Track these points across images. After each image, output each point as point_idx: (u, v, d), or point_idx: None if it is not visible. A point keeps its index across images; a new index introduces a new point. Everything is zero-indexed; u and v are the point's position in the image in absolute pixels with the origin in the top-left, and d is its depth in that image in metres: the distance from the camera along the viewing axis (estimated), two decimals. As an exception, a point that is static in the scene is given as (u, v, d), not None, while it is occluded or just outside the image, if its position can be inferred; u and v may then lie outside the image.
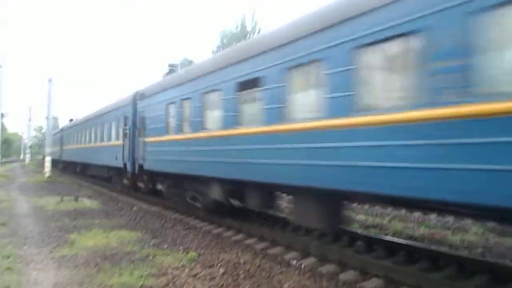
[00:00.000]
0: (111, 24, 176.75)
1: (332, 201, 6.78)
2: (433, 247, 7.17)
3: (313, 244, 7.24)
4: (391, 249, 6.89)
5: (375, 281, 5.74)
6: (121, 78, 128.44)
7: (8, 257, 6.55)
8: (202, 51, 64.03)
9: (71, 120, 35.95)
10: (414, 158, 4.67)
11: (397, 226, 9.51)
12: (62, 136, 33.83)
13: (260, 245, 7.89)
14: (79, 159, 25.62)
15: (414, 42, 4.74)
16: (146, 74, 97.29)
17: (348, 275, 6.03)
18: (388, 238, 7.87)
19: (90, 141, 22.19)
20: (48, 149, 28.09)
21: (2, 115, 33.20)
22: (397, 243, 7.15)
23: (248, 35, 35.57)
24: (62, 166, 35.85)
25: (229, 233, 9.10)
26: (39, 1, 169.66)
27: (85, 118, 25.13)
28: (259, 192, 8.24)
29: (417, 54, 4.71)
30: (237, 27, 38.37)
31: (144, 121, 13.32)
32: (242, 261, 6.58)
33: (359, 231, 8.49)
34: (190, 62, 29.78)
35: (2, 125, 39.85)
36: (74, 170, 29.75)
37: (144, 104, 13.60)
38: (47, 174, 26.54)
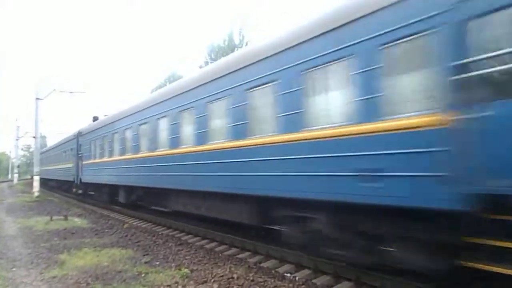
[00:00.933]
0: (109, 27, 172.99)
1: None
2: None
3: (307, 256, 7.18)
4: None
5: (370, 291, 5.71)
6: (118, 84, 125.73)
7: (-4, 280, 6.40)
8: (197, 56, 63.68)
9: (95, 118, 23.00)
10: None
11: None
12: (80, 145, 21.85)
13: (253, 259, 7.83)
14: (134, 181, 13.71)
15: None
16: (144, 80, 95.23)
17: (343, 287, 5.99)
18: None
19: (196, 140, 9.46)
20: (36, 168, 27.59)
21: None
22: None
23: (236, 49, 35.84)
24: (82, 191, 23.26)
25: (222, 247, 9.02)
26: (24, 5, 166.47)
27: (162, 95, 12.06)
28: None
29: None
30: (224, 41, 38.70)
31: None
32: (235, 275, 6.50)
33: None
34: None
35: None
36: (111, 199, 17.99)
37: None
38: (35, 194, 26.12)
